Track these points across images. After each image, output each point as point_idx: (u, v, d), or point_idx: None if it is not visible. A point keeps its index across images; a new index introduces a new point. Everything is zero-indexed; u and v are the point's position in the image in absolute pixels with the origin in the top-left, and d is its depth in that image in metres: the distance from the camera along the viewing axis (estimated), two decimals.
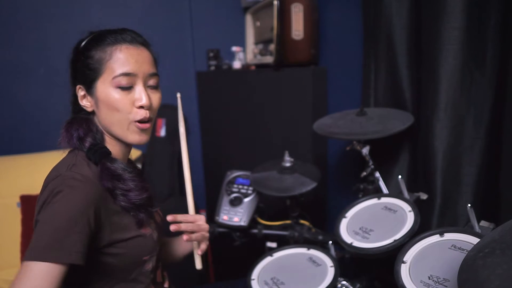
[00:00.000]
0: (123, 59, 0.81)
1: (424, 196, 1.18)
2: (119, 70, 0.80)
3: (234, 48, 2.08)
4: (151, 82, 0.85)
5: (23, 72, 1.93)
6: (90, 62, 0.81)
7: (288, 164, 1.42)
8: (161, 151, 2.04)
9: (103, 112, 0.83)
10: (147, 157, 2.03)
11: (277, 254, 1.20)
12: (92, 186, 0.77)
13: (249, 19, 2.06)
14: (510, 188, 1.07)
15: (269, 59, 1.83)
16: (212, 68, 2.13)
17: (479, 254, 0.62)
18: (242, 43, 2.13)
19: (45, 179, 0.80)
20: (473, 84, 1.17)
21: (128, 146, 0.90)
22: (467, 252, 0.69)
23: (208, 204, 2.31)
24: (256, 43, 2.05)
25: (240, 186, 1.55)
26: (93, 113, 0.86)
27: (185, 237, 0.94)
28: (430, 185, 1.25)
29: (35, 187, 1.68)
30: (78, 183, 0.75)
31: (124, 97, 0.81)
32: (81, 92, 0.84)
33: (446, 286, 0.78)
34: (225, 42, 2.16)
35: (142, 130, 0.85)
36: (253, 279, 1.11)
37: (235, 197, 1.50)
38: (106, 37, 0.82)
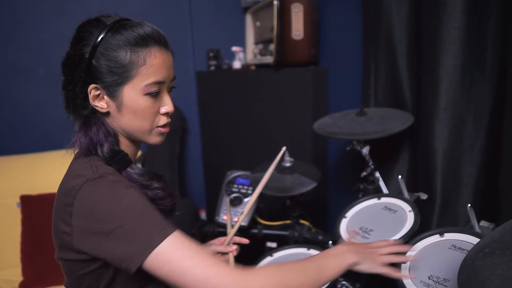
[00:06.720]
0: (156, 66, 0.76)
1: (424, 196, 1.18)
2: (153, 78, 0.76)
3: (234, 48, 2.08)
4: (171, 85, 0.84)
5: (23, 72, 1.93)
6: (117, 62, 0.74)
7: (288, 164, 1.42)
8: (161, 151, 2.04)
9: (127, 117, 0.78)
10: (147, 157, 2.03)
11: (277, 254, 1.20)
12: (126, 180, 0.76)
13: (249, 19, 2.06)
14: (510, 188, 1.07)
15: (269, 59, 1.83)
16: (212, 68, 2.13)
17: (479, 254, 0.62)
18: (242, 43, 2.13)
19: (66, 185, 0.74)
20: (473, 84, 1.17)
21: (139, 146, 0.89)
22: (467, 252, 0.69)
23: (208, 204, 2.31)
24: (256, 43, 2.05)
25: (240, 186, 1.55)
26: (105, 113, 0.80)
27: None
28: (430, 185, 1.25)
29: (35, 187, 1.68)
30: (115, 178, 0.74)
31: (152, 104, 0.78)
32: (95, 92, 0.76)
33: (446, 286, 0.78)
34: (225, 42, 2.15)
35: (162, 133, 0.84)
36: None
37: (235, 197, 1.51)
38: (133, 35, 0.74)
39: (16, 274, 1.61)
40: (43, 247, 1.60)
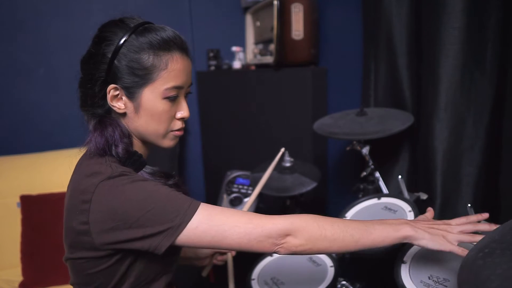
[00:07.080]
0: (177, 71, 0.78)
1: (424, 196, 1.18)
2: (173, 83, 0.78)
3: (234, 48, 2.08)
4: (188, 90, 0.85)
5: (23, 72, 1.93)
6: (140, 64, 0.75)
7: (288, 164, 1.42)
8: (161, 151, 2.04)
9: (143, 120, 0.79)
10: (147, 158, 2.03)
11: (277, 254, 1.20)
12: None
13: (249, 19, 2.06)
14: (510, 188, 1.07)
15: (269, 59, 1.83)
16: (212, 68, 2.13)
17: (479, 254, 0.61)
18: (242, 43, 2.12)
19: (83, 183, 0.74)
20: (473, 84, 1.17)
21: (149, 148, 0.89)
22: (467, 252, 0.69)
23: None
24: (256, 43, 2.05)
25: (240, 186, 1.55)
26: (121, 114, 0.80)
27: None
28: (430, 185, 1.25)
29: (35, 187, 1.68)
30: (135, 175, 0.76)
31: (169, 108, 0.79)
32: (114, 92, 0.77)
33: (446, 286, 0.78)
34: (225, 42, 2.15)
35: (177, 137, 0.85)
36: (253, 279, 1.11)
37: (235, 197, 1.51)
38: (157, 38, 0.76)
39: (16, 274, 1.61)
40: (43, 247, 1.60)
